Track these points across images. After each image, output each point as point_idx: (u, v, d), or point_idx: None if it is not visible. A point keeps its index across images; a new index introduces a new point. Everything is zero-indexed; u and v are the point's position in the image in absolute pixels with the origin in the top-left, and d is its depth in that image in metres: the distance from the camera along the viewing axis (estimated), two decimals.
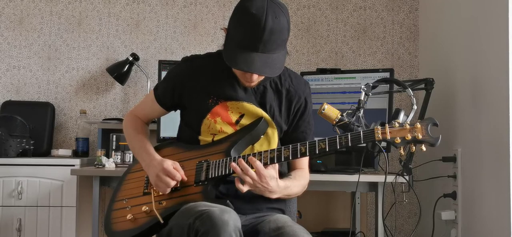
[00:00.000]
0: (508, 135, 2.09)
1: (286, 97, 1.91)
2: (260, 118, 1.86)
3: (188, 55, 1.98)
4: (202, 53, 2.00)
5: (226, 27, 1.79)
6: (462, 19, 2.64)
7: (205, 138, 1.88)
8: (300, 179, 1.91)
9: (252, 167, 1.71)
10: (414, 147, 1.69)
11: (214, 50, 1.97)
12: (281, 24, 1.69)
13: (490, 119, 2.29)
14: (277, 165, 1.76)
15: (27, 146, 3.10)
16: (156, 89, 2.00)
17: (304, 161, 1.98)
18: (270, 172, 1.72)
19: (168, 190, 1.80)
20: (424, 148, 1.67)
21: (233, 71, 1.84)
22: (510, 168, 2.09)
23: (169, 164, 1.80)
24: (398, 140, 1.67)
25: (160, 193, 1.83)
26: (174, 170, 1.79)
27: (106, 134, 3.07)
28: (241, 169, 1.70)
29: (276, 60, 1.71)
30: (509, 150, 2.09)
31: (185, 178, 1.81)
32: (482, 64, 2.38)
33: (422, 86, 2.63)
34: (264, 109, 1.88)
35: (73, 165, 2.97)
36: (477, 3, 2.46)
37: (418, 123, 1.66)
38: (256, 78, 1.78)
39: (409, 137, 1.66)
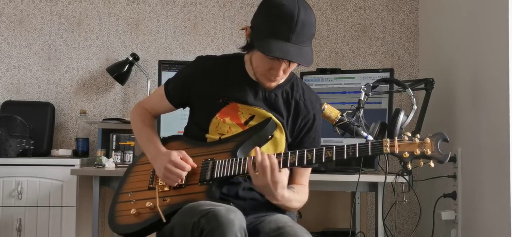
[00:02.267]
0: (508, 135, 2.09)
1: (294, 108, 1.90)
2: (269, 118, 1.85)
3: (204, 55, 1.97)
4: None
5: (249, 26, 1.79)
6: (462, 18, 2.64)
7: (212, 136, 1.88)
8: (301, 195, 1.90)
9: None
10: (422, 163, 1.62)
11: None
12: (311, 18, 1.73)
13: (490, 119, 2.29)
14: (288, 173, 1.75)
15: (27, 146, 3.10)
16: (167, 84, 1.99)
17: (305, 178, 1.96)
18: (282, 178, 1.71)
19: (179, 181, 1.79)
20: (432, 164, 1.60)
21: (248, 76, 1.84)
22: (510, 168, 2.09)
23: (176, 155, 1.79)
24: (407, 155, 1.61)
25: (166, 189, 1.83)
26: (182, 161, 1.79)
27: (106, 134, 3.06)
28: (261, 158, 1.67)
29: (307, 53, 1.73)
30: (509, 150, 2.09)
31: (195, 165, 1.80)
32: (482, 64, 2.38)
33: (422, 86, 2.63)
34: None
35: (73, 165, 2.97)
36: (477, 3, 2.46)
37: (428, 138, 1.61)
38: (281, 75, 1.78)
39: (418, 152, 1.60)
